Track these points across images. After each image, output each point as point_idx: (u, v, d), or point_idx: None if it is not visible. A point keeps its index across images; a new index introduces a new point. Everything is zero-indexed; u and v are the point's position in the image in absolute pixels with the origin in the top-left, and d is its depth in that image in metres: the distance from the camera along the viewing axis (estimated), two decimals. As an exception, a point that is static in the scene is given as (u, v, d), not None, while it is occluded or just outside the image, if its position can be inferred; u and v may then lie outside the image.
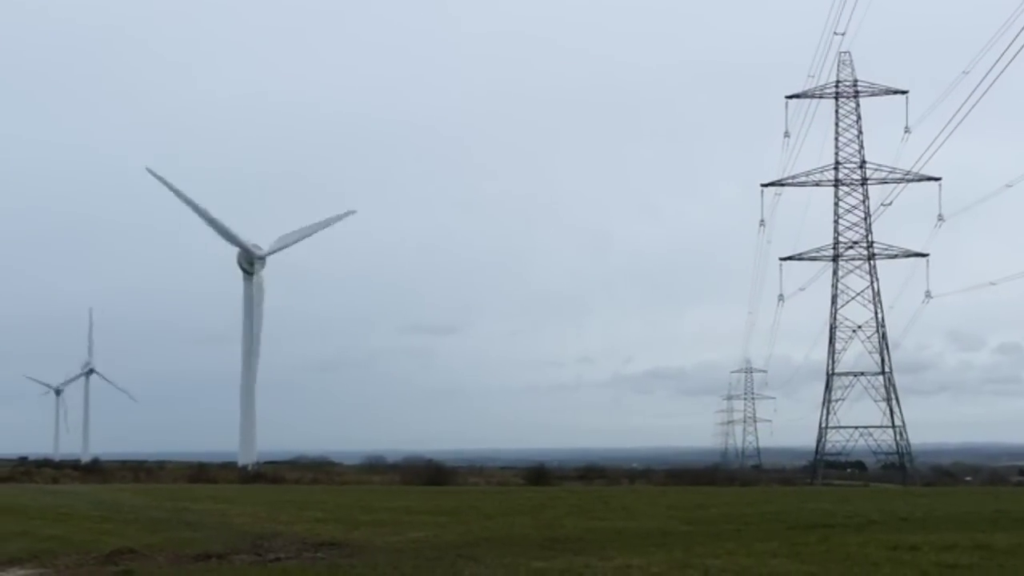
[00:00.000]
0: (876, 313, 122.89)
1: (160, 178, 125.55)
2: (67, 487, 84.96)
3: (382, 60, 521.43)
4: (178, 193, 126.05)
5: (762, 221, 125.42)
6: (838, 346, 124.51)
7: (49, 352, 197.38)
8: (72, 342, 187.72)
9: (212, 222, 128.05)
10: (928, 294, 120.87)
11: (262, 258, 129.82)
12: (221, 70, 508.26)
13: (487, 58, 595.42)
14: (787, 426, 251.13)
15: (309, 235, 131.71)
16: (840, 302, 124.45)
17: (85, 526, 33.76)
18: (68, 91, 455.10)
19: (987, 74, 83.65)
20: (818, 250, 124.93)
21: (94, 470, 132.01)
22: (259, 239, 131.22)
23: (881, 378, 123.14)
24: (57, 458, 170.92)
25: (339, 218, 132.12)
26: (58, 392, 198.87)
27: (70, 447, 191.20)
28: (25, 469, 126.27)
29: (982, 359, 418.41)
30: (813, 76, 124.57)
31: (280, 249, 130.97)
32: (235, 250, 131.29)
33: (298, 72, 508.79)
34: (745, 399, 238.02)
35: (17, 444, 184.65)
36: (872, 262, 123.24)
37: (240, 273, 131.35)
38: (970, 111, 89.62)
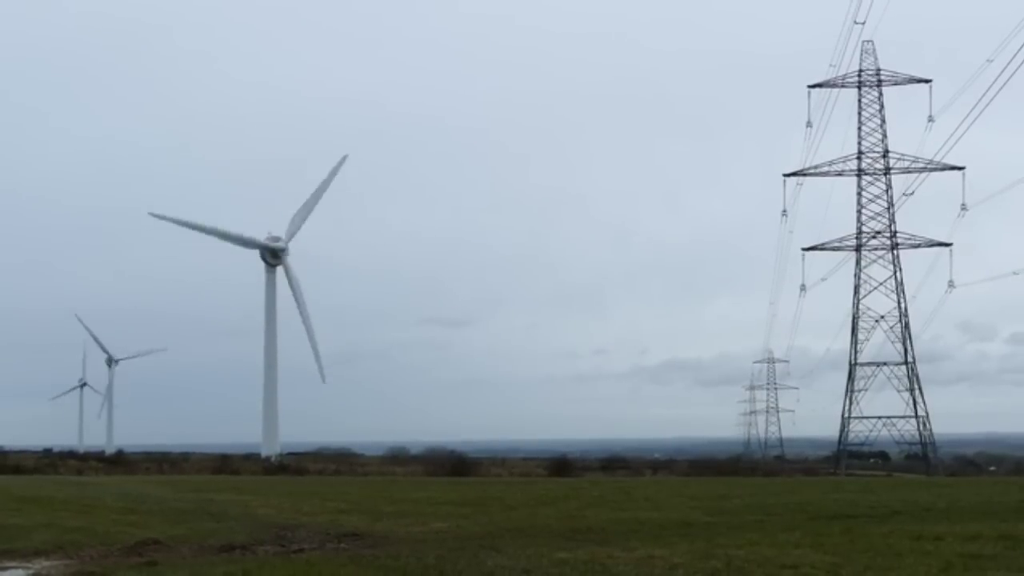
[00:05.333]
0: (899, 303, 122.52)
1: (163, 217, 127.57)
2: (92, 479, 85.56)
3: (407, 51, 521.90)
4: (185, 224, 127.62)
5: (784, 211, 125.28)
6: (860, 336, 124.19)
7: (75, 344, 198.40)
8: (98, 334, 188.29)
9: (226, 236, 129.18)
10: (951, 284, 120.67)
11: (284, 249, 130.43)
12: (244, 61, 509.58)
13: (514, 49, 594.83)
14: (810, 416, 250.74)
15: (317, 201, 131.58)
16: (863, 292, 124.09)
17: (110, 517, 33.93)
18: (93, 81, 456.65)
19: (1009, 62, 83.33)
20: (841, 240, 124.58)
21: (118, 462, 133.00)
22: (280, 230, 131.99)
23: (904, 368, 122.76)
24: (81, 450, 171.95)
25: (336, 170, 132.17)
26: (83, 386, 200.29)
27: (94, 439, 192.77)
28: (50, 461, 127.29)
29: (998, 349, 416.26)
30: (835, 65, 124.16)
31: (297, 229, 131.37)
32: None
33: (321, 62, 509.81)
34: (767, 389, 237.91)
35: (42, 436, 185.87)
36: (895, 252, 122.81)
37: (262, 265, 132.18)
38: (992, 99, 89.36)
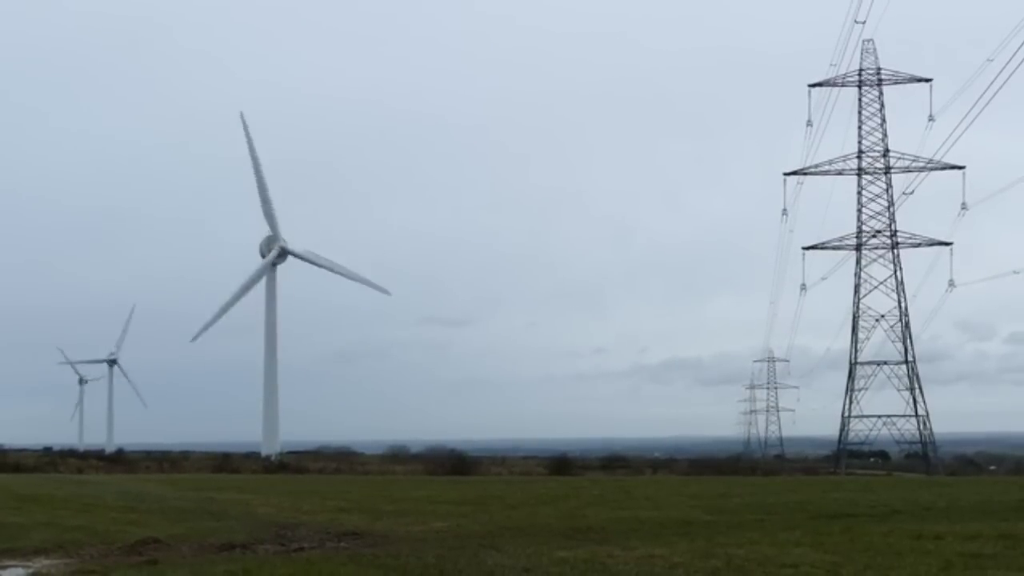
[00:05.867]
0: (899, 302, 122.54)
1: (246, 127, 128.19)
2: (92, 477, 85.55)
3: (407, 50, 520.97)
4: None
5: (784, 210, 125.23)
6: (861, 335, 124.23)
7: (75, 343, 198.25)
8: (98, 333, 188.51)
9: (264, 192, 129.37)
10: (952, 283, 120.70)
11: (283, 252, 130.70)
12: (245, 59, 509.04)
13: (514, 49, 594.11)
14: (810, 415, 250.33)
15: (337, 273, 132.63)
16: (863, 291, 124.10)
17: (110, 516, 33.94)
18: (93, 80, 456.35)
19: (1009, 61, 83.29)
20: (841, 239, 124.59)
21: (118, 460, 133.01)
22: (279, 228, 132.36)
23: (904, 367, 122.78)
24: (82, 448, 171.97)
25: (374, 286, 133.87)
26: (82, 382, 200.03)
27: (94, 438, 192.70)
28: (50, 459, 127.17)
29: (997, 348, 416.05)
30: (835, 64, 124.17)
31: (302, 259, 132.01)
32: (258, 241, 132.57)
33: (322, 61, 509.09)
34: (767, 388, 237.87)
35: (42, 434, 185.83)
36: (895, 251, 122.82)
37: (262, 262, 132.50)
38: (992, 98, 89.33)
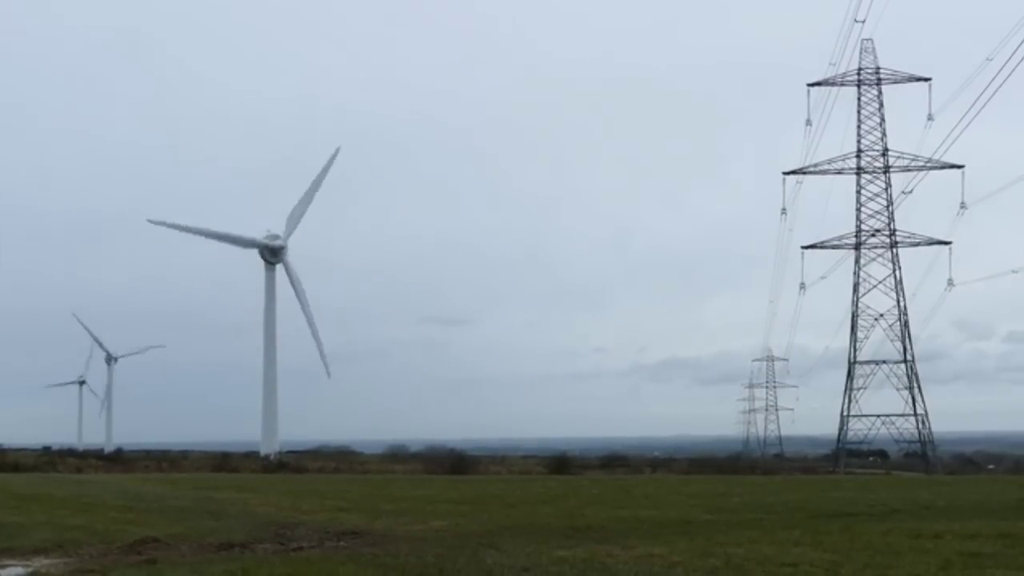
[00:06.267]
0: (898, 301, 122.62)
1: (162, 223, 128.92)
2: (91, 477, 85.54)
3: (405, 54, 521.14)
4: (184, 228, 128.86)
5: (784, 209, 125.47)
6: (860, 334, 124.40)
7: (75, 342, 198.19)
8: (98, 333, 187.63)
9: (225, 238, 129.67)
10: (951, 282, 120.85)
11: (283, 247, 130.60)
12: (244, 60, 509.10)
13: (512, 50, 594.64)
14: (809, 415, 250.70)
15: (313, 195, 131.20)
16: (862, 290, 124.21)
17: (109, 515, 33.90)
18: (93, 80, 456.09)
19: (1008, 60, 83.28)
20: (840, 238, 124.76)
21: (117, 460, 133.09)
22: (279, 228, 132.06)
23: (903, 366, 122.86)
24: (81, 448, 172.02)
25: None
26: (82, 383, 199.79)
27: (93, 437, 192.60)
28: (49, 458, 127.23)
29: (995, 347, 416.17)
30: (834, 64, 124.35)
31: (295, 226, 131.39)
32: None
33: (323, 62, 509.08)
34: (767, 387, 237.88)
35: (41, 434, 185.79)
36: (894, 250, 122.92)
37: (262, 263, 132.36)
38: (991, 97, 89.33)
